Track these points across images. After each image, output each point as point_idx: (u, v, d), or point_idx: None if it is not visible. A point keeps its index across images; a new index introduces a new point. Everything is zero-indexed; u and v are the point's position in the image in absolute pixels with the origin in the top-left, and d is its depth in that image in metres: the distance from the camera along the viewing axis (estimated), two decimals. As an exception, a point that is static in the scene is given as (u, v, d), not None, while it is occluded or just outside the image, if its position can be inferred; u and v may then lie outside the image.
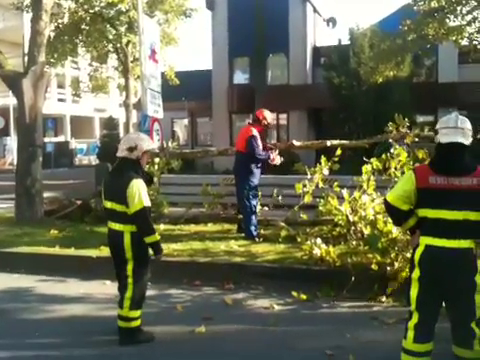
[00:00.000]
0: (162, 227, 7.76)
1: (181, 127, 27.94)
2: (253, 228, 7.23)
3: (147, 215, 4.17)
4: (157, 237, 4.25)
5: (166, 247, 6.46)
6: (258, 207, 7.57)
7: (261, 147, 7.29)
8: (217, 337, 4.36)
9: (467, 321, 3.20)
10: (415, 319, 3.27)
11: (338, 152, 7.22)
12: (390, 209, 3.40)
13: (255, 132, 7.26)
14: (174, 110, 23.10)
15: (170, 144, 8.70)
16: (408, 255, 4.70)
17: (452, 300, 3.24)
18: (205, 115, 25.09)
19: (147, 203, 4.15)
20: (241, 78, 23.82)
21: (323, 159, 7.26)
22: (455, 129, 3.22)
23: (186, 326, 4.56)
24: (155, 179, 8.03)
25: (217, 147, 10.27)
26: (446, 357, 3.40)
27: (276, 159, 7.47)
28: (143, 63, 9.59)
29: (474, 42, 15.67)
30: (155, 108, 9.64)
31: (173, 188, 9.18)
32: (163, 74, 18.36)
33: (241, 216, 7.64)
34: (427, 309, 3.26)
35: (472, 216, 3.14)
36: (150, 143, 4.48)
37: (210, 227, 8.08)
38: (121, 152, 4.26)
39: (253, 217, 7.27)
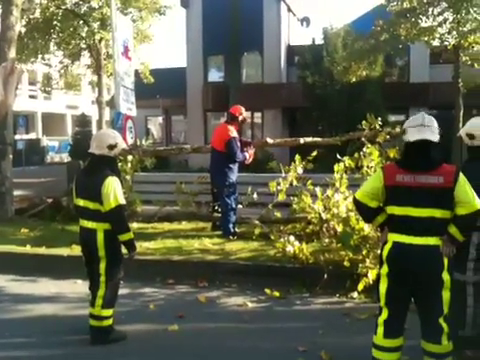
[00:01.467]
0: (135, 225, 7.70)
1: (155, 125, 27.78)
2: (231, 225, 7.24)
3: (122, 213, 4.16)
4: (131, 235, 4.23)
5: (139, 246, 6.37)
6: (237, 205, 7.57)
7: (240, 148, 7.31)
8: (190, 335, 4.36)
9: (435, 317, 3.25)
10: (384, 315, 3.31)
11: (314, 153, 7.29)
12: (358, 206, 3.45)
13: (234, 133, 7.25)
14: (148, 108, 22.97)
15: (144, 142, 8.63)
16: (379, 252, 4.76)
17: (420, 296, 3.29)
18: (180, 113, 25.01)
19: (122, 201, 4.13)
20: (216, 76, 23.79)
21: (297, 158, 7.32)
22: (422, 127, 3.26)
23: (159, 324, 4.54)
24: (128, 177, 7.97)
25: (191, 145, 10.22)
26: (416, 352, 3.47)
27: (251, 156, 7.53)
28: (116, 60, 9.49)
29: (445, 43, 15.97)
30: (128, 105, 9.56)
31: (147, 186, 9.13)
32: (137, 72, 18.23)
33: (216, 214, 7.64)
34: (396, 305, 3.30)
35: (438, 214, 3.18)
36: (123, 141, 4.48)
37: (184, 225, 8.05)
38: (98, 149, 4.20)
39: (232, 214, 7.27)
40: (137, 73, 18.57)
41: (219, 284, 5.70)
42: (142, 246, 6.52)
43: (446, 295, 3.24)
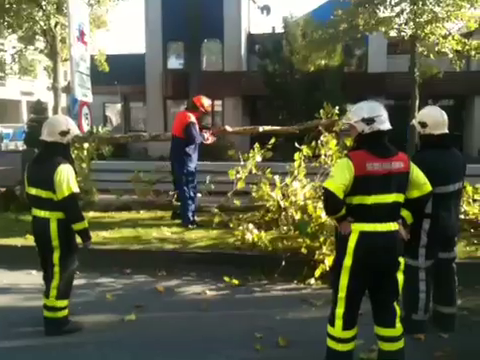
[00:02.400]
0: (92, 215, 7.57)
1: (114, 112, 27.26)
2: (190, 214, 7.20)
3: (76, 201, 4.07)
4: (85, 224, 4.15)
5: (95, 235, 6.31)
6: (197, 193, 7.53)
7: (199, 133, 7.26)
8: (148, 324, 4.32)
9: (390, 301, 3.34)
10: (343, 308, 3.31)
11: (272, 140, 7.31)
12: (332, 198, 3.25)
13: (193, 118, 7.20)
14: (106, 94, 22.53)
15: (100, 129, 8.45)
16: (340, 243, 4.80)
17: (379, 283, 3.32)
18: (139, 100, 24.64)
19: (76, 189, 4.04)
20: (175, 63, 23.54)
21: (256, 146, 7.34)
22: (386, 116, 3.36)
23: (116, 315, 4.48)
24: (84, 165, 7.80)
25: (150, 132, 10.07)
26: (369, 338, 3.56)
27: (210, 139, 7.52)
28: (72, 45, 9.26)
29: (402, 33, 16.28)
30: (84, 91, 9.34)
31: (104, 175, 8.93)
32: (93, 58, 17.81)
33: (176, 203, 7.58)
34: (355, 297, 3.33)
35: (401, 198, 3.28)
36: (76, 127, 4.35)
37: (142, 214, 7.96)
38: (50, 136, 4.08)
39: (191, 203, 7.23)
40: (94, 60, 18.15)
41: (178, 273, 5.67)
42: (99, 235, 6.43)
43: (401, 278, 3.33)
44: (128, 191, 8.36)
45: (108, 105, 26.02)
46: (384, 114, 3.35)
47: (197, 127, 7.23)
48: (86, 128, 9.28)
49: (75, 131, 4.23)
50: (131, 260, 5.85)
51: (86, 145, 8.03)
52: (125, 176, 8.29)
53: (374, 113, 3.35)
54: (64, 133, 4.09)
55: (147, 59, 22.90)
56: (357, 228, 3.25)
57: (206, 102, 7.48)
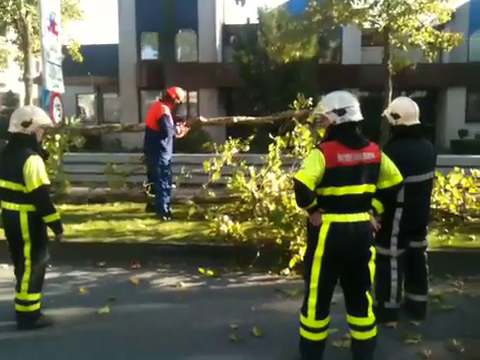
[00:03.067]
0: (64, 207, 7.47)
1: (88, 103, 26.87)
2: (165, 206, 7.15)
3: (46, 193, 4.01)
4: (57, 216, 4.08)
5: (68, 228, 6.24)
6: (172, 185, 7.48)
7: (172, 126, 7.20)
8: (121, 317, 4.28)
9: (362, 290, 3.37)
10: (315, 298, 3.33)
11: (251, 137, 7.31)
12: (303, 190, 3.24)
13: (167, 111, 7.12)
14: (79, 85, 22.19)
15: (72, 120, 8.31)
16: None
17: (351, 272, 3.35)
18: (112, 91, 24.32)
19: (46, 181, 3.97)
20: (150, 54, 23.30)
21: (233, 139, 7.32)
22: (357, 107, 3.36)
23: (89, 308, 4.43)
24: (56, 157, 7.67)
25: (123, 123, 9.94)
26: (342, 327, 3.60)
27: (183, 132, 7.47)
28: (43, 35, 9.08)
29: (376, 25, 16.41)
30: (55, 82, 9.18)
31: (77, 167, 8.82)
32: (66, 49, 17.50)
33: (150, 195, 7.52)
34: (327, 287, 3.35)
35: (371, 189, 3.30)
36: (46, 117, 4.26)
37: (116, 207, 7.88)
38: (14, 127, 4.01)
39: (166, 194, 7.18)
40: (68, 50, 17.84)
41: (152, 265, 5.63)
42: (72, 228, 6.34)
43: (372, 267, 3.36)
44: (101, 183, 8.27)
45: (81, 96, 25.62)
46: (355, 105, 3.36)
47: (171, 120, 7.17)
48: (58, 119, 9.12)
49: (40, 122, 4.11)
50: (105, 253, 5.79)
51: (58, 137, 7.88)
52: (98, 168, 8.19)
53: (345, 104, 3.35)
54: (26, 124, 4.00)
55: (121, 50, 22.60)
56: (328, 219, 3.26)
57: (181, 93, 7.42)
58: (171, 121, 7.16)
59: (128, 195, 7.97)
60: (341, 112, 3.32)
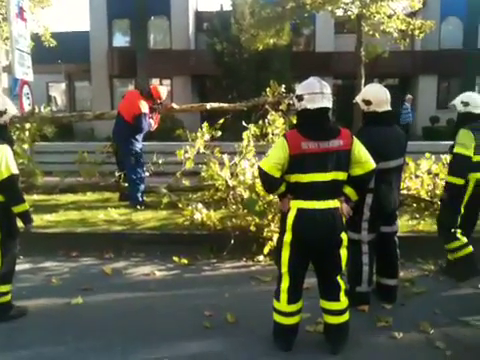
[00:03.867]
0: (36, 198, 7.35)
1: (59, 92, 26.35)
2: (139, 195, 7.09)
3: (16, 183, 3.94)
4: (26, 206, 4.02)
5: (40, 218, 6.16)
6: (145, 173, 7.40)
7: (148, 123, 7.12)
8: (95, 307, 4.25)
9: (334, 275, 3.42)
10: (287, 282, 3.38)
11: (221, 121, 7.28)
12: (266, 177, 3.33)
13: (145, 108, 7.01)
14: (49, 73, 21.75)
15: (42, 109, 8.13)
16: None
17: (321, 258, 3.39)
18: (84, 79, 23.91)
19: (15, 170, 3.90)
20: (121, 41, 22.96)
21: (205, 125, 7.27)
22: (321, 94, 3.33)
23: (62, 298, 4.38)
24: (26, 146, 7.52)
25: (94, 111, 9.78)
26: (315, 311, 3.64)
27: (156, 122, 7.44)
28: (11, 22, 8.86)
29: (348, 12, 16.46)
30: (24, 70, 8.96)
31: (48, 156, 8.67)
32: (38, 36, 17.09)
33: (123, 184, 7.44)
34: (298, 271, 3.39)
35: (340, 176, 3.32)
36: (14, 107, 4.19)
37: (89, 196, 7.78)
38: None
39: (139, 183, 7.11)
40: (38, 37, 17.42)
41: (126, 255, 5.60)
42: (43, 219, 6.25)
43: (344, 253, 3.40)
44: (74, 173, 8.15)
45: (52, 85, 25.12)
46: (321, 92, 3.31)
47: (148, 117, 7.09)
48: (27, 108, 8.92)
49: (12, 111, 4.07)
50: (77, 243, 5.72)
51: (28, 125, 7.72)
52: (70, 158, 8.06)
53: (306, 90, 3.34)
54: (1, 113, 3.93)
55: (91, 37, 22.21)
56: (295, 205, 3.31)
57: (163, 93, 7.32)
58: (148, 119, 7.08)
59: (100, 184, 7.86)
60: (299, 98, 3.34)
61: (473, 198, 4.68)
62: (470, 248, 4.76)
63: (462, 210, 4.70)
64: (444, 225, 4.83)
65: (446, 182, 4.81)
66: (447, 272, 4.89)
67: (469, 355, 3.42)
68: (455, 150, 4.62)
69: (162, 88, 7.39)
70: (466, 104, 4.71)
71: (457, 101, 4.80)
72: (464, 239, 4.75)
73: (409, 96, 18.00)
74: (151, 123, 7.26)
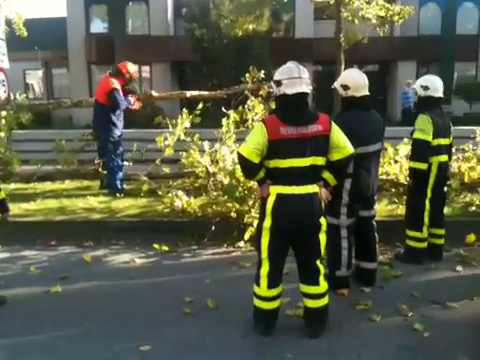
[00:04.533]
0: (13, 186, 7.23)
1: (36, 79, 25.86)
2: (118, 182, 7.03)
3: (-9, 172, 3.86)
4: (3, 194, 3.97)
5: (18, 207, 6.09)
6: (124, 161, 7.33)
7: (123, 98, 7.03)
8: (74, 295, 4.22)
9: (313, 260, 3.43)
10: (267, 267, 3.39)
11: (200, 106, 7.23)
12: (245, 163, 3.33)
13: (117, 84, 6.95)
14: (26, 60, 21.34)
15: (18, 96, 7.98)
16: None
17: (301, 243, 3.41)
18: (62, 66, 23.47)
19: (-11, 159, 3.83)
20: (99, 27, 22.58)
21: (185, 111, 7.22)
22: (300, 79, 3.33)
23: (41, 287, 4.34)
24: (2, 134, 7.39)
25: (71, 99, 9.62)
26: (295, 296, 3.67)
27: (136, 104, 7.33)
28: (-17, 6, 8.63)
29: (328, -2, 16.42)
30: (-1, 57, 8.77)
31: (25, 145, 8.53)
32: (11, 23, 16.71)
33: (102, 171, 7.37)
34: (277, 256, 3.40)
35: (319, 161, 3.32)
36: None
37: (67, 184, 7.69)
38: None
39: (118, 171, 7.05)
40: (11, 24, 17.06)
41: (106, 243, 5.56)
42: (21, 208, 6.18)
43: (323, 238, 3.42)
44: (51, 161, 8.03)
45: (29, 72, 24.64)
46: (299, 77, 3.30)
47: (121, 93, 7.00)
48: (3, 96, 8.75)
49: None
50: (56, 231, 5.66)
51: (4, 113, 7.58)
52: (48, 146, 7.94)
53: (284, 75, 3.34)
54: None
55: (69, 23, 21.80)
56: (274, 190, 3.31)
57: (132, 68, 7.23)
58: (121, 94, 6.99)
59: (79, 172, 7.77)
60: (278, 84, 3.33)
61: (438, 180, 4.77)
62: (425, 244, 4.86)
63: (429, 194, 4.77)
64: (412, 210, 4.89)
65: (409, 168, 4.88)
66: (403, 258, 4.96)
67: (446, 336, 3.47)
68: (414, 136, 4.68)
69: (130, 64, 7.29)
70: (426, 88, 4.75)
71: (417, 85, 4.85)
72: (425, 234, 4.84)
73: (409, 81, 18.07)
74: (130, 100, 7.16)
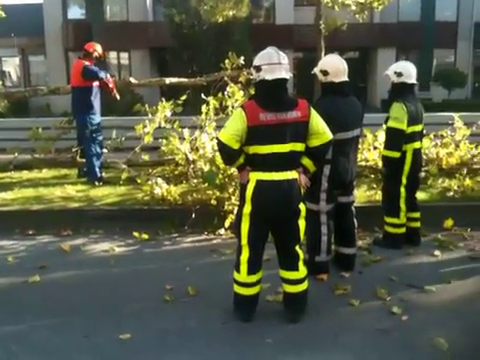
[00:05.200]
0: (-12, 176, 7.11)
1: (13, 67, 25.36)
2: (97, 170, 6.96)
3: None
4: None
5: (-7, 197, 5.98)
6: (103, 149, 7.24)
7: (99, 70, 6.93)
8: (52, 285, 4.17)
9: (293, 245, 3.44)
10: (247, 254, 3.39)
11: (183, 97, 7.17)
12: (225, 149, 3.30)
13: (88, 64, 6.86)
14: (3, 48, 20.95)
15: (-8, 84, 7.82)
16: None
17: (280, 229, 3.42)
18: (39, 53, 23.05)
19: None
20: (77, 13, 22.18)
21: (165, 101, 7.15)
22: (279, 65, 3.31)
23: (19, 277, 4.28)
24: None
25: (49, 85, 9.46)
26: (275, 282, 3.68)
27: (112, 83, 7.18)
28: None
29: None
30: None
31: (2, 133, 8.39)
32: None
33: (80, 159, 7.28)
34: (257, 242, 3.40)
35: (298, 147, 3.31)
36: None
37: (45, 173, 7.57)
38: None
39: (96, 159, 6.96)
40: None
41: (84, 232, 5.50)
42: (-4, 197, 6.08)
43: (302, 224, 3.43)
44: (28, 150, 7.89)
45: (5, 60, 24.20)
46: (279, 62, 3.28)
47: (94, 68, 6.92)
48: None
49: None
50: (33, 221, 5.59)
51: (-22, 101, 7.43)
52: (24, 134, 7.80)
53: (264, 61, 3.31)
54: None
55: (45, 9, 21.36)
56: (254, 177, 3.30)
57: (99, 47, 7.13)
58: (94, 68, 6.90)
59: (56, 160, 7.65)
60: (257, 69, 3.31)
61: (413, 167, 4.82)
62: (403, 229, 4.92)
63: (404, 180, 4.81)
64: (388, 197, 4.93)
65: (383, 156, 4.91)
66: (381, 243, 5.01)
67: (424, 320, 3.52)
68: (388, 124, 4.70)
69: (95, 43, 7.21)
70: (399, 74, 4.76)
71: (390, 71, 4.85)
72: (403, 220, 4.89)
73: None
74: (107, 75, 7.04)
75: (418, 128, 4.80)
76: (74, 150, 7.27)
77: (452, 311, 3.64)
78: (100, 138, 7.04)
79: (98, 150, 6.97)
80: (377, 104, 21.12)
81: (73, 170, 7.53)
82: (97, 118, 6.95)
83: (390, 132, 4.70)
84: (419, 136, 4.86)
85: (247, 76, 6.93)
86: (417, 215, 5.05)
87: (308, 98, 3.52)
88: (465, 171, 6.65)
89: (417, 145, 4.81)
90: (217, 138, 3.37)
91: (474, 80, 23.68)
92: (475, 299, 3.86)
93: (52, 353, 3.15)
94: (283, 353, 3.11)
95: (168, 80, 8.04)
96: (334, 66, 4.10)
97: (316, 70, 4.22)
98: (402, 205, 4.83)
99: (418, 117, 4.79)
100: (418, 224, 5.07)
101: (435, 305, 3.74)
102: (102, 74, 6.91)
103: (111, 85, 7.04)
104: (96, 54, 7.06)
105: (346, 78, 4.12)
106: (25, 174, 7.51)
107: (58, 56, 21.62)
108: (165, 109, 7.06)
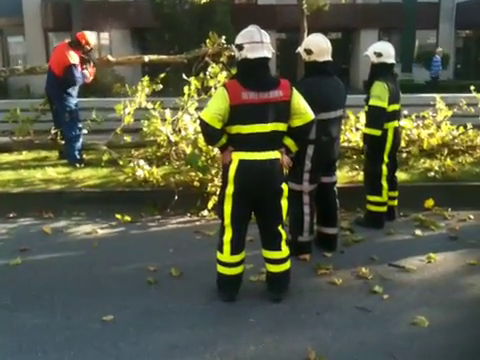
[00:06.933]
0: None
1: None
2: (77, 152, 6.86)
3: None
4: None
5: (-28, 180, 5.87)
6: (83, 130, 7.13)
7: (81, 75, 6.80)
8: (34, 268, 4.13)
9: (275, 225, 3.46)
10: (230, 234, 3.40)
11: (162, 75, 7.07)
12: (207, 129, 3.27)
13: (75, 59, 6.70)
14: (-22, 28, 20.40)
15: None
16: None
17: (263, 208, 3.42)
18: (18, 33, 22.54)
19: None
20: (56, -8, 21.67)
21: (145, 79, 7.05)
22: (261, 44, 3.28)
23: (0, 260, 4.23)
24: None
25: (25, 65, 9.24)
26: (258, 262, 3.70)
27: (92, 74, 7.12)
28: None
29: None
30: None
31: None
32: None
33: (60, 141, 7.16)
34: (240, 223, 3.41)
35: (280, 127, 3.30)
36: None
37: (25, 156, 7.43)
38: None
39: (76, 140, 6.86)
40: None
41: (66, 214, 5.45)
42: (-24, 180, 5.96)
43: (285, 204, 3.44)
44: (8, 132, 7.74)
45: (-18, 40, 23.61)
46: (261, 41, 3.26)
47: (79, 68, 6.77)
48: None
49: None
50: (14, 204, 5.51)
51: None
52: (3, 116, 7.64)
53: (246, 40, 3.29)
54: None
55: (22, -13, 20.86)
56: (236, 157, 3.29)
57: (91, 38, 6.98)
58: (79, 70, 6.76)
59: (36, 143, 7.51)
60: (240, 48, 3.28)
61: (394, 145, 4.91)
62: (385, 208, 4.99)
63: (386, 159, 4.87)
64: (370, 176, 4.98)
65: (364, 134, 4.95)
66: (363, 223, 5.06)
67: (405, 298, 3.58)
68: (371, 102, 4.74)
69: (89, 33, 7.06)
70: (379, 55, 4.80)
71: (370, 52, 4.88)
72: (385, 198, 4.96)
73: (439, 49, 18.20)
74: (85, 74, 6.95)
75: (397, 107, 4.90)
76: (53, 132, 7.13)
77: (432, 289, 3.70)
78: (78, 120, 6.93)
79: (77, 132, 6.87)
80: (359, 85, 21.11)
81: (53, 152, 7.41)
82: (75, 100, 6.84)
83: (372, 110, 4.74)
84: (398, 115, 4.95)
85: (229, 54, 6.86)
86: (396, 194, 5.18)
87: (291, 79, 3.50)
88: (446, 152, 6.72)
89: (397, 124, 4.92)
90: (199, 117, 3.35)
91: (456, 61, 23.85)
92: (455, 277, 3.93)
93: (33, 334, 3.13)
94: (266, 332, 3.13)
95: (147, 58, 7.91)
96: (318, 45, 4.08)
97: (300, 49, 4.20)
98: (384, 183, 4.89)
99: (398, 96, 4.86)
100: (396, 202, 5.20)
101: (416, 283, 3.80)
102: (80, 81, 6.82)
103: (90, 79, 6.97)
104: (87, 47, 6.91)
105: (330, 58, 4.11)
106: (5, 156, 7.36)
107: (37, 36, 21.21)
108: (145, 88, 6.96)
